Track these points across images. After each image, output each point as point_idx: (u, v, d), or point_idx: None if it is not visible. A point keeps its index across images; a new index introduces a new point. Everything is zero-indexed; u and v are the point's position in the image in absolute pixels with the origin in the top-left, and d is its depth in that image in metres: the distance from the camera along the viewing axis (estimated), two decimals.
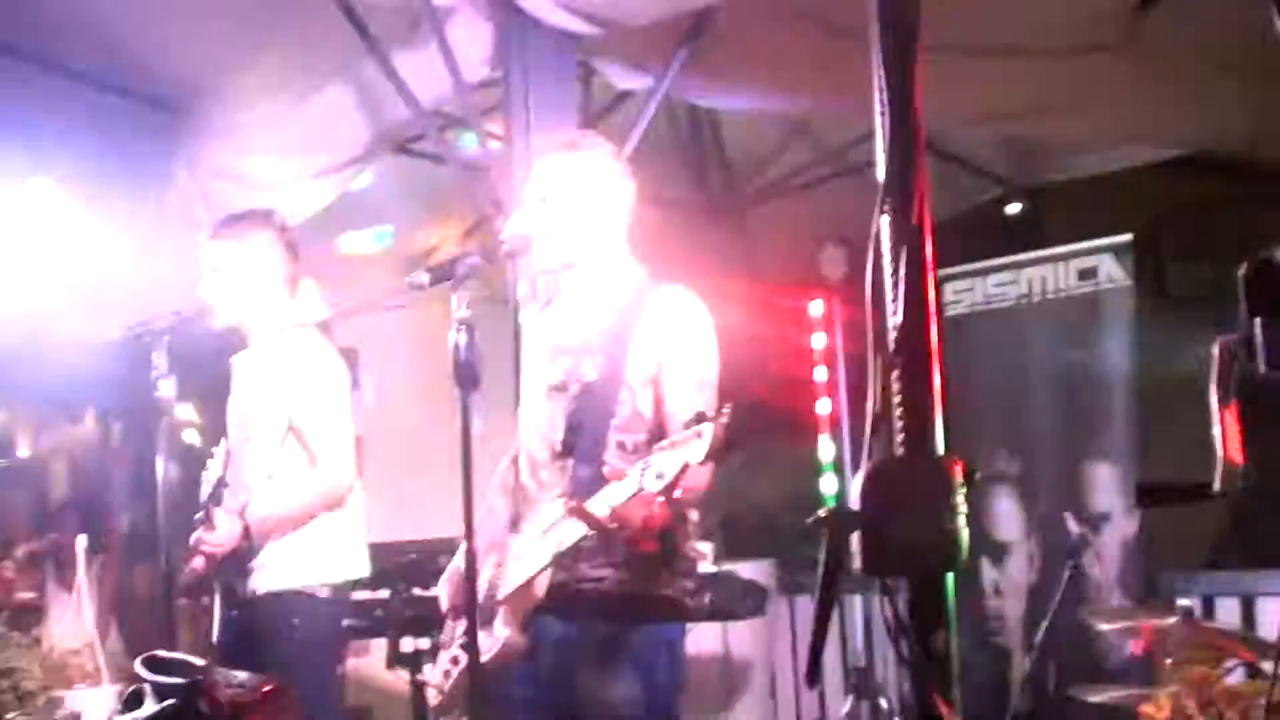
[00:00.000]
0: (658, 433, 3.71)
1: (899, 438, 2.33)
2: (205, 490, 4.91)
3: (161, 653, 3.33)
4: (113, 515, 11.07)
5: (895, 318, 2.33)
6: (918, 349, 2.33)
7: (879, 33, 2.32)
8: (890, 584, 2.31)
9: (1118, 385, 6.84)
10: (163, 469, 4.93)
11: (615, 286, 3.92)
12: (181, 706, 3.09)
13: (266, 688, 3.24)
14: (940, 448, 2.33)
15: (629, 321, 3.81)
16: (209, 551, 4.82)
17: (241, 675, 3.37)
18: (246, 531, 4.81)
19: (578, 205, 3.91)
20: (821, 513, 2.29)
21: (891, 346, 2.34)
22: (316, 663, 4.88)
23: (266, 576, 4.87)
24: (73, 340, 8.01)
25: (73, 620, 8.58)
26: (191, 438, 9.54)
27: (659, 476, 3.37)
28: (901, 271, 2.32)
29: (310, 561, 4.90)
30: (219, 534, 4.80)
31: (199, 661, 3.28)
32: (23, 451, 13.32)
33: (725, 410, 3.31)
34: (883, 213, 2.35)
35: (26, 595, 9.05)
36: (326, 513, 4.92)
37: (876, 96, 2.37)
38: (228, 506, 4.85)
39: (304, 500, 4.90)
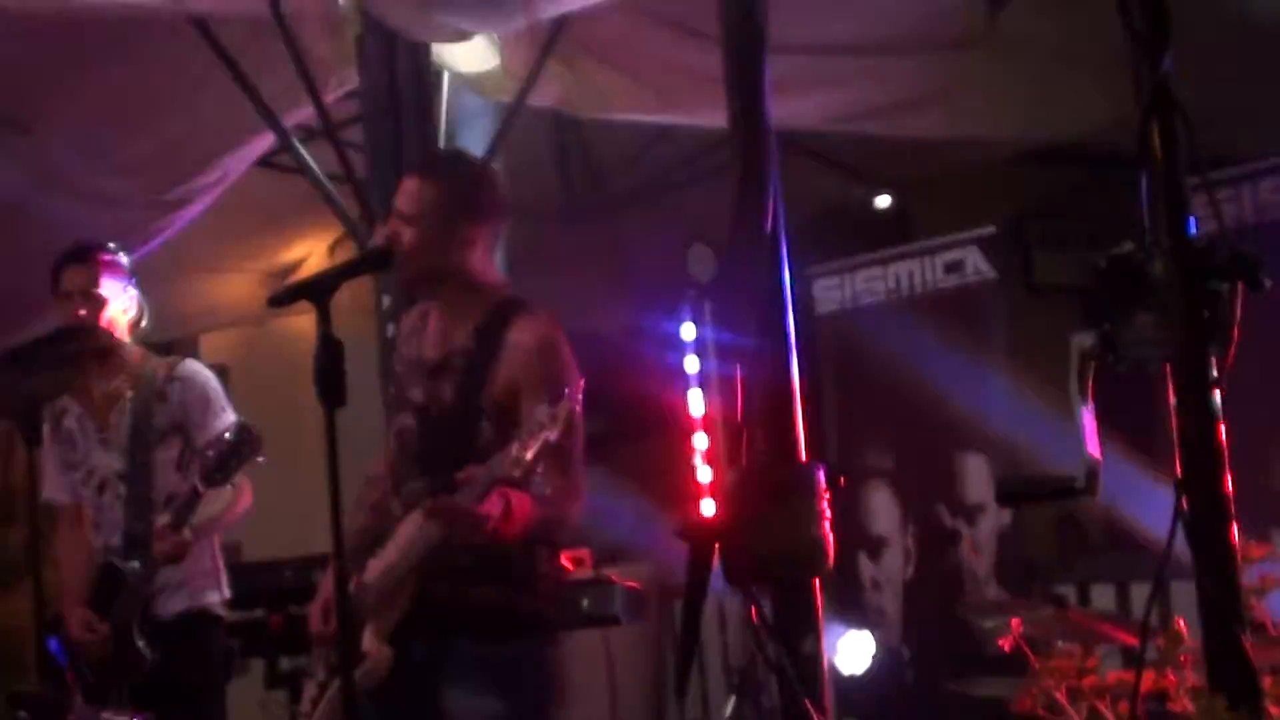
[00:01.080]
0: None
1: (759, 445, 2.31)
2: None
3: (25, 689, 3.24)
4: None
5: (754, 327, 2.32)
6: (775, 356, 2.32)
7: (725, 36, 2.30)
8: (755, 591, 2.30)
9: (988, 377, 6.90)
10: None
11: (475, 306, 3.88)
12: None
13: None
14: (802, 453, 2.32)
15: (486, 346, 3.78)
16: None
17: (105, 714, 3.29)
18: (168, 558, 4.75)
19: (439, 224, 3.85)
20: (682, 523, 2.27)
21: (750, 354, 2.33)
22: (210, 687, 4.87)
23: (172, 598, 4.83)
24: None
25: None
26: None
27: (516, 462, 3.36)
28: (758, 279, 2.30)
29: (209, 578, 4.92)
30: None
31: (63, 697, 3.19)
32: None
33: (578, 385, 3.29)
34: (737, 220, 2.34)
35: None
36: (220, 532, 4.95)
37: (727, 104, 2.35)
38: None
39: (215, 518, 4.86)
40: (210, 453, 4.57)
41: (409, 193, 3.89)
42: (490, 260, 3.97)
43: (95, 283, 4.95)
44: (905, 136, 6.95)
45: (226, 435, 4.57)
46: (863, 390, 7.28)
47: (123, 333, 5.01)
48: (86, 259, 5.01)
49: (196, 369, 5.09)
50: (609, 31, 5.81)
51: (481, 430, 3.74)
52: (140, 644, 4.66)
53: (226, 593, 5.03)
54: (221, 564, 5.05)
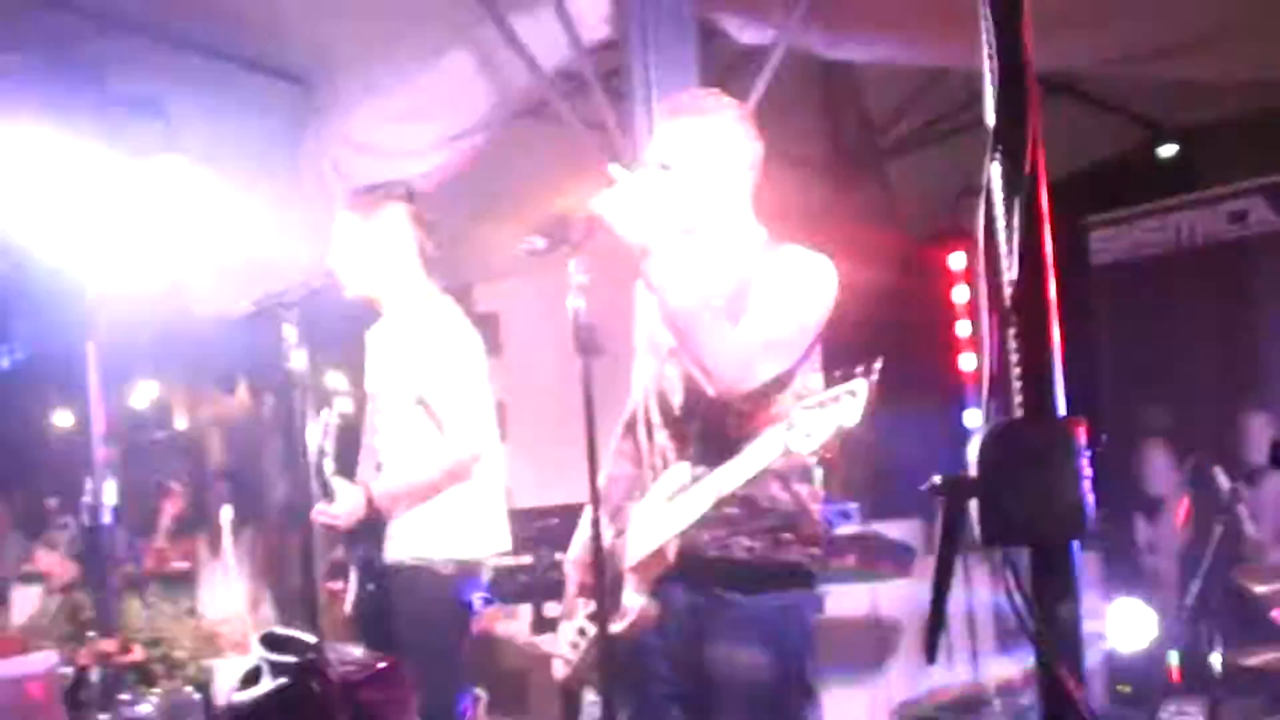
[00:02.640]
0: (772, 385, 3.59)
1: (1018, 400, 2.20)
2: (313, 460, 4.91)
3: (278, 629, 3.31)
4: (264, 486, 11.26)
5: (1010, 273, 2.20)
6: (1034, 305, 2.19)
7: None
8: (1011, 554, 2.19)
9: (1273, 332, 6.59)
10: (309, 441, 4.95)
11: (734, 250, 3.80)
12: (295, 685, 3.07)
13: (379, 665, 3.21)
14: (1062, 409, 2.20)
15: (745, 284, 3.69)
16: (328, 523, 4.83)
17: (355, 653, 3.34)
18: (370, 503, 4.81)
19: (701, 171, 3.78)
20: (936, 480, 2.17)
21: (1007, 303, 2.21)
22: (438, 637, 4.85)
23: (393, 549, 4.87)
24: (218, 314, 8.10)
25: (223, 590, 8.73)
26: (344, 406, 9.67)
27: (808, 436, 3.26)
28: (1015, 223, 2.18)
29: (435, 535, 4.88)
30: (339, 505, 4.80)
31: (312, 639, 3.25)
32: (179, 423, 13.61)
33: (877, 366, 3.18)
34: (992, 162, 2.22)
35: (179, 564, 9.23)
36: (453, 485, 4.89)
37: (984, 40, 2.24)
38: (360, 476, 4.86)
39: (429, 473, 4.89)
40: None
41: (668, 141, 3.83)
42: (749, 204, 3.88)
43: (375, 230, 5.03)
44: (1189, 79, 6.64)
45: None
46: (1141, 345, 7.01)
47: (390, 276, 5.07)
48: (362, 206, 5.10)
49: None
50: None
51: None
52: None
53: (471, 548, 4.98)
54: (465, 518, 4.98)
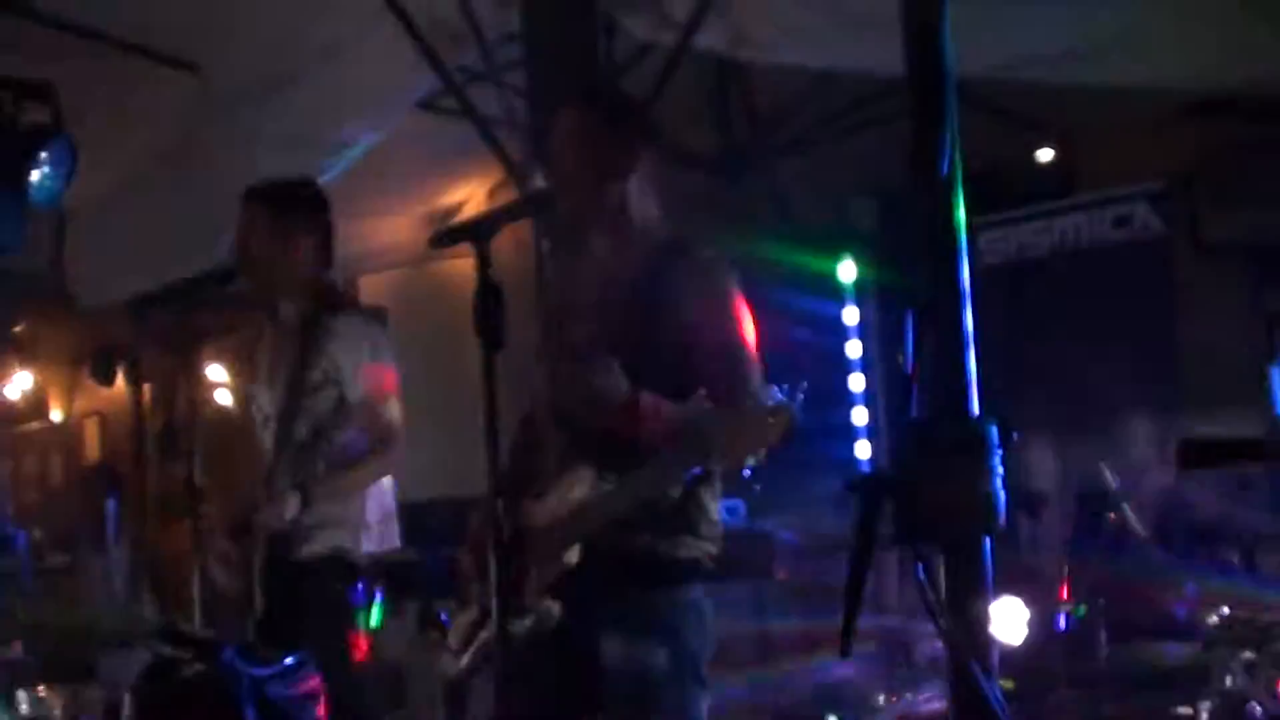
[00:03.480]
0: (685, 390, 3.62)
1: (932, 399, 2.24)
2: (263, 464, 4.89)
3: (182, 625, 3.28)
4: (146, 478, 11.09)
5: (925, 271, 2.25)
6: (949, 304, 2.24)
7: None
8: (924, 549, 2.23)
9: (1155, 334, 6.74)
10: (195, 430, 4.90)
11: (636, 246, 3.82)
12: (200, 680, 3.04)
13: (286, 660, 3.19)
14: (975, 407, 2.25)
15: (652, 285, 3.71)
16: (272, 530, 4.79)
17: (261, 648, 3.32)
18: (305, 502, 4.78)
19: (597, 161, 3.80)
20: (854, 477, 2.21)
21: (921, 302, 2.25)
22: (333, 633, 4.84)
23: (309, 541, 4.84)
24: (98, 301, 7.99)
25: (104, 584, 8.62)
26: (223, 398, 9.56)
27: (730, 457, 3.31)
28: (931, 227, 2.23)
29: (332, 529, 4.85)
30: (280, 511, 4.76)
31: (210, 635, 3.23)
32: (55, 414, 13.38)
33: (803, 389, 3.21)
34: (912, 167, 2.26)
35: (59, 558, 9.09)
36: (379, 478, 4.93)
37: (904, 45, 2.28)
38: (286, 479, 4.82)
39: (368, 467, 4.88)
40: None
41: (563, 124, 3.85)
42: (647, 200, 3.90)
43: (267, 221, 4.99)
44: (1074, 85, 6.75)
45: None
46: (1027, 344, 7.13)
47: (290, 272, 5.03)
48: (257, 198, 5.06)
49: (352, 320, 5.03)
50: None
51: (645, 370, 3.65)
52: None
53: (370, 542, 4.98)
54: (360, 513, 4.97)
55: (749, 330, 3.72)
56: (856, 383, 7.93)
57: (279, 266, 4.96)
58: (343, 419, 4.84)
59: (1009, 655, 6.15)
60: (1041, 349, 7.19)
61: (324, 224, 5.05)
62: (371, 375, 4.89)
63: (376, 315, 5.11)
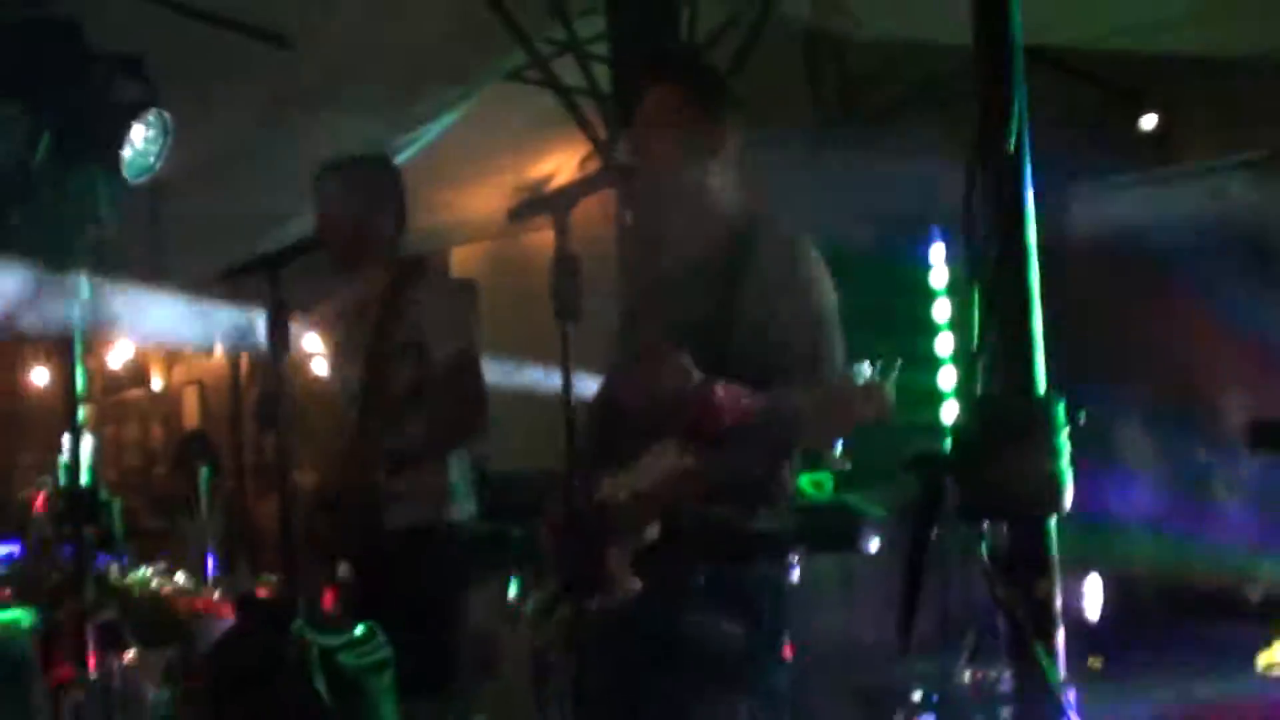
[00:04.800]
0: (769, 369, 3.59)
1: (997, 376, 2.20)
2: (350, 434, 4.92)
3: (257, 594, 3.31)
4: (242, 446, 11.23)
5: (993, 248, 2.21)
6: (1016, 280, 2.20)
7: None
8: (988, 528, 2.20)
9: (1253, 308, 6.60)
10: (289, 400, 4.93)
11: (722, 219, 3.79)
12: (273, 649, 3.07)
13: (357, 631, 3.21)
14: (1042, 385, 2.21)
15: (732, 261, 3.69)
16: (360, 499, 4.83)
17: (334, 618, 3.35)
18: (377, 466, 4.81)
19: (685, 134, 3.78)
20: (914, 455, 2.18)
21: (989, 278, 2.22)
22: (439, 598, 4.87)
23: (395, 512, 4.87)
24: (198, 274, 8.07)
25: (197, 551, 8.72)
26: (319, 368, 9.64)
27: (822, 434, 3.28)
28: (1000, 198, 2.19)
29: (422, 500, 4.87)
30: (367, 480, 4.80)
31: (289, 603, 3.25)
32: (155, 383, 13.59)
33: (897, 365, 3.17)
34: (979, 137, 2.22)
35: (154, 524, 9.22)
36: (451, 450, 4.91)
37: (972, 14, 2.24)
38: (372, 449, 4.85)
39: (439, 435, 4.88)
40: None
41: (652, 99, 3.83)
42: (729, 175, 3.87)
43: (343, 193, 5.02)
44: (1174, 52, 6.63)
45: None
46: (1120, 317, 7.01)
47: (368, 242, 5.06)
48: (332, 171, 5.10)
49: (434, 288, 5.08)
50: None
51: (733, 340, 3.65)
52: None
53: (466, 509, 5.02)
54: (463, 479, 5.02)
55: (831, 303, 3.69)
56: (944, 345, 7.85)
57: (356, 237, 5.00)
58: (426, 388, 4.85)
59: (1096, 632, 6.09)
60: (1136, 322, 7.07)
61: (398, 194, 5.08)
62: (455, 344, 4.90)
63: (464, 286, 5.10)
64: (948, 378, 7.77)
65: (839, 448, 3.40)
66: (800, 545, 3.92)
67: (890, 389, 3.15)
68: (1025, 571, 2.19)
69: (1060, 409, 2.17)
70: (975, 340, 2.18)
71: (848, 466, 6.72)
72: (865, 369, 3.23)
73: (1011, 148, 2.15)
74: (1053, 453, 2.15)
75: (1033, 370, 2.19)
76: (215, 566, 7.93)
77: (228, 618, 3.37)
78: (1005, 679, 6.45)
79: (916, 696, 6.51)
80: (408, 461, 4.83)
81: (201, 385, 13.09)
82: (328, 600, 4.70)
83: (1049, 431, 2.15)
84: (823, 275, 3.70)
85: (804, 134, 7.83)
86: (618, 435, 3.91)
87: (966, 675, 6.61)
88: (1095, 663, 6.38)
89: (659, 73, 3.92)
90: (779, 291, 3.64)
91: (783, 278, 3.65)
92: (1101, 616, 6.45)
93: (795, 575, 3.84)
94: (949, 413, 7.71)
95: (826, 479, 7.06)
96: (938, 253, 7.88)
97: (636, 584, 3.71)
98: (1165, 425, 6.86)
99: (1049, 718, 2.12)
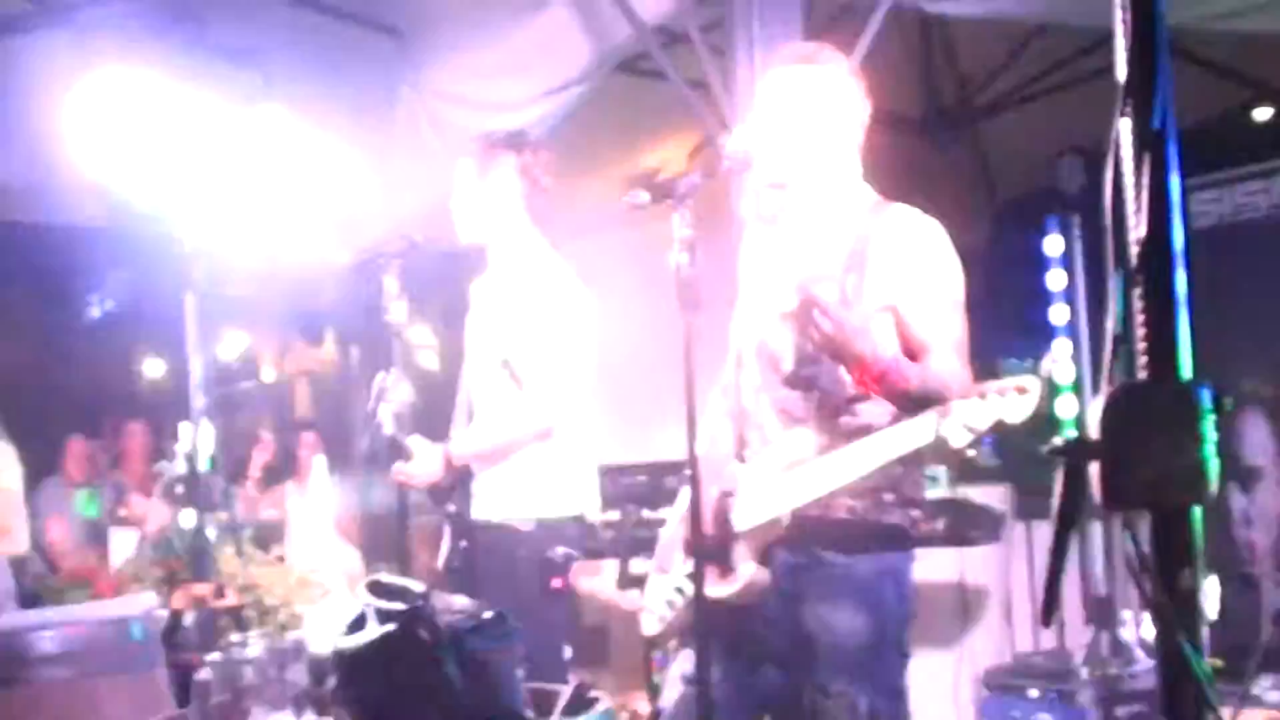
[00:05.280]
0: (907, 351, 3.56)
1: (1141, 361, 2.15)
2: (388, 420, 4.92)
3: (384, 577, 3.32)
4: (352, 437, 11.32)
5: (1136, 230, 2.15)
6: (1161, 264, 2.14)
7: None
8: (1132, 518, 2.15)
9: None
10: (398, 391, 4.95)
11: (846, 208, 3.76)
12: (402, 631, 3.08)
13: (485, 614, 3.20)
14: (1187, 371, 2.15)
15: (864, 245, 3.65)
16: (405, 481, 4.85)
17: (462, 601, 3.34)
18: (449, 462, 4.81)
19: (809, 121, 3.75)
20: (1058, 441, 2.13)
21: (1133, 261, 2.16)
22: (523, 596, 4.83)
23: (478, 506, 4.88)
24: (308, 265, 8.15)
25: (312, 538, 8.81)
26: (428, 361, 9.71)
27: (965, 427, 3.21)
28: (1143, 180, 2.13)
29: (517, 494, 4.86)
30: (415, 465, 4.82)
31: (420, 587, 3.26)
32: (267, 374, 13.73)
33: (1050, 364, 3.13)
34: (1122, 116, 2.17)
35: (269, 513, 9.33)
36: (535, 443, 4.85)
37: None
38: (453, 433, 4.87)
39: (509, 433, 4.86)
40: None
41: (776, 90, 3.80)
42: (857, 161, 3.84)
43: (474, 173, 5.02)
44: None
45: None
46: (1240, 310, 6.89)
47: (498, 222, 5.05)
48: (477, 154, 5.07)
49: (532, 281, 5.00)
50: None
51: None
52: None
53: (554, 507, 4.94)
54: (548, 477, 4.93)
55: (959, 287, 3.65)
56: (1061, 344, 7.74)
57: (486, 217, 5.00)
58: (518, 380, 4.84)
59: (1214, 633, 5.98)
60: (1254, 315, 6.94)
61: (529, 169, 5.04)
62: (538, 339, 4.87)
63: (562, 278, 5.02)
64: (1064, 372, 7.67)
65: (971, 450, 3.33)
66: (923, 539, 3.89)
67: (1038, 390, 3.10)
68: (1169, 563, 2.13)
69: (1206, 396, 2.10)
70: (1119, 326, 2.12)
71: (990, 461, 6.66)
72: (1013, 364, 3.18)
73: (1157, 125, 2.09)
74: (1199, 440, 2.08)
75: (1178, 355, 2.13)
76: (333, 552, 8.04)
77: (352, 600, 3.37)
78: (1128, 674, 6.42)
79: (1033, 692, 6.44)
80: (494, 455, 4.84)
81: (312, 376, 13.22)
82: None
83: (1194, 419, 2.09)
84: (952, 260, 3.66)
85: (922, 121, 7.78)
86: (740, 425, 3.89)
87: (1085, 672, 6.54)
88: (1216, 663, 6.27)
89: (790, 58, 3.89)
90: (910, 274, 3.61)
91: (913, 261, 3.62)
92: (1221, 617, 6.35)
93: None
94: (1064, 407, 7.61)
95: (942, 472, 7.01)
96: (1054, 245, 7.76)
97: (764, 574, 3.70)
98: None
99: (1196, 713, 2.06)
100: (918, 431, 3.35)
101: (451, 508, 4.90)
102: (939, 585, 7.30)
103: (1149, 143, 2.11)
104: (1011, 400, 3.16)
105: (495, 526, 4.82)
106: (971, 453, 3.23)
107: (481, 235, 5.02)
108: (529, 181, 5.01)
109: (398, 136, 6.77)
